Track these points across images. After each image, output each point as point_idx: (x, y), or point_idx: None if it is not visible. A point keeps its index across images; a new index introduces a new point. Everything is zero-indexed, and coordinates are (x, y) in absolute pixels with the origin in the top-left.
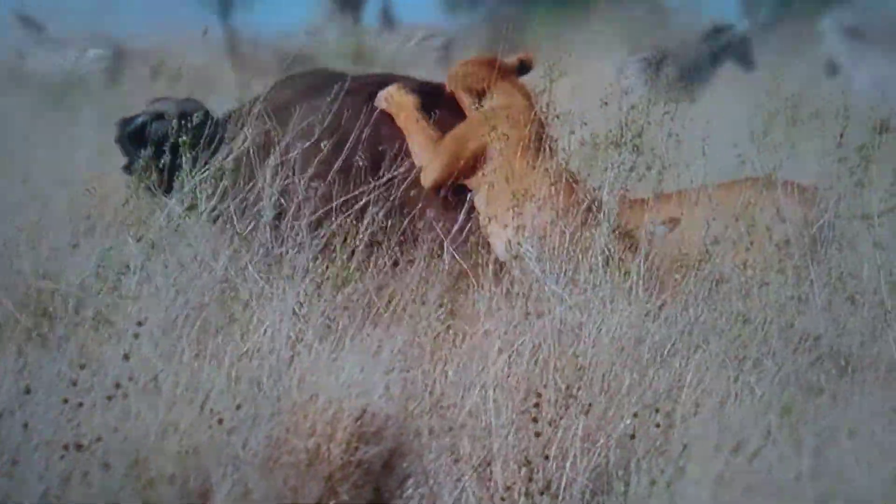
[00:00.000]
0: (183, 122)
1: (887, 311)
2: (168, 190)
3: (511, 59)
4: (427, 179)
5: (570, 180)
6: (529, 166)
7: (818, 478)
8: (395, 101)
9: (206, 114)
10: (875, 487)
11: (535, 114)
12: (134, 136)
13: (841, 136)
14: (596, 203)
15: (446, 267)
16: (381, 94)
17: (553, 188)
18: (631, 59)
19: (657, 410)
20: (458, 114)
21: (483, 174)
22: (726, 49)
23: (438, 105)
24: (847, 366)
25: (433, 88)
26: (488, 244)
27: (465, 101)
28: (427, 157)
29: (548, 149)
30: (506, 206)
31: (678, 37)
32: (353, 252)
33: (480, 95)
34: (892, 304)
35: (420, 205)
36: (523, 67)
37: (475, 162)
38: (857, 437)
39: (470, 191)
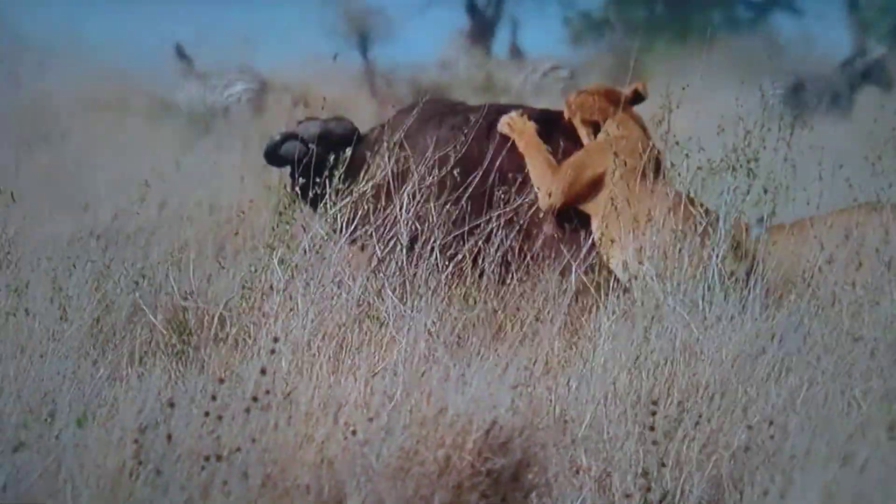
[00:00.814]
0: (324, 142)
1: None
2: (313, 206)
3: (627, 90)
4: (545, 204)
5: (688, 203)
6: (647, 190)
7: None
8: (517, 127)
9: (354, 132)
10: None
11: (651, 142)
12: (270, 156)
13: None
14: (712, 225)
15: (572, 287)
16: (503, 120)
17: (671, 211)
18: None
19: (771, 423)
20: (576, 141)
21: (600, 200)
22: (865, 75)
23: (558, 132)
24: None
25: (552, 116)
26: (608, 265)
27: (582, 130)
28: (545, 182)
29: (664, 174)
30: (625, 229)
31: (795, 67)
32: (481, 273)
33: (597, 125)
34: None
35: (543, 228)
36: (638, 97)
37: (592, 188)
38: None
39: (587, 215)
